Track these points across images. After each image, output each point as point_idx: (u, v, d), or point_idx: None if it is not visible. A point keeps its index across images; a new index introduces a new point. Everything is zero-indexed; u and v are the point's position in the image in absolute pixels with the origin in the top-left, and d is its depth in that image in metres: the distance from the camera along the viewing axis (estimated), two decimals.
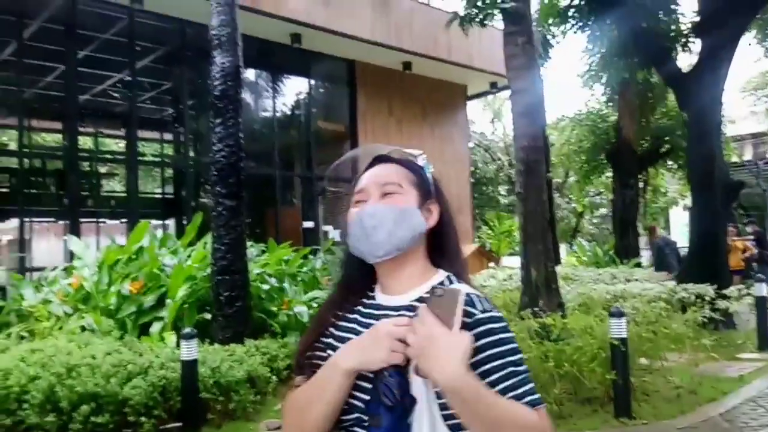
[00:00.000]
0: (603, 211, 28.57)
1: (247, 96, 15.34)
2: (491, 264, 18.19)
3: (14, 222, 11.81)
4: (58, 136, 17.71)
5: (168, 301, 7.29)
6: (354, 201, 1.28)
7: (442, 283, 1.23)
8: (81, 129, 16.54)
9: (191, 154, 14.81)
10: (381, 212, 1.22)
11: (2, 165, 15.09)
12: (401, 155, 1.33)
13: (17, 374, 5.11)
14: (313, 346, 1.28)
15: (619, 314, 5.14)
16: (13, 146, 12.34)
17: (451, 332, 1.05)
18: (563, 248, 26.25)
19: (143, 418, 4.86)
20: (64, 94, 13.13)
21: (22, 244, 11.08)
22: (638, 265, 14.04)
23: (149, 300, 7.47)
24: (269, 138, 14.65)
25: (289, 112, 16.21)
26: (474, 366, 1.08)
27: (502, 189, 30.56)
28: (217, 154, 6.59)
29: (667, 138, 16.10)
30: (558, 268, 12.56)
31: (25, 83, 12.74)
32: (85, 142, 22.66)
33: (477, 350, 1.10)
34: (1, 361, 5.49)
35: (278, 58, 14.49)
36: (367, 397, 1.14)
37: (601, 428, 4.88)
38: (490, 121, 33.08)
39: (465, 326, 1.08)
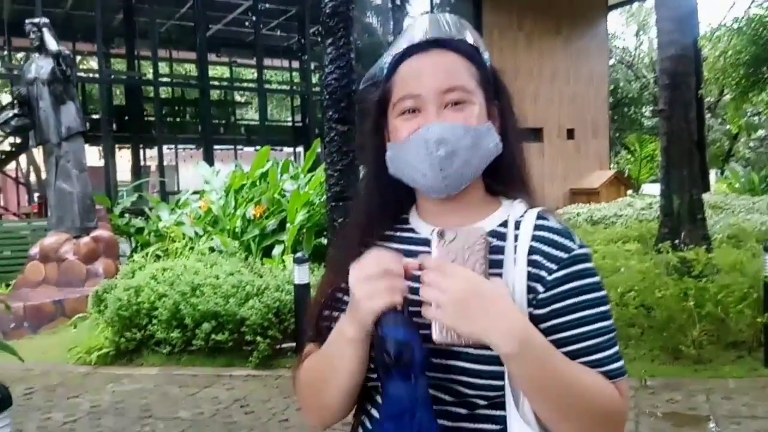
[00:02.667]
0: (762, 132, 25.48)
1: (367, 18, 14.98)
2: (629, 191, 16.98)
3: (157, 149, 12.56)
4: (195, 66, 18.43)
5: (288, 225, 7.43)
6: (401, 109, 0.93)
7: (506, 222, 0.93)
8: (213, 59, 17.21)
9: (313, 80, 14.86)
10: (455, 136, 0.89)
11: (146, 95, 16.05)
12: (458, 37, 0.95)
13: (148, 291, 5.42)
14: (333, 298, 0.98)
15: None
16: (152, 77, 12.97)
17: (488, 281, 0.80)
18: (713, 174, 23.93)
19: (259, 338, 4.98)
20: (194, 24, 13.53)
21: (162, 169, 11.82)
22: None
23: (271, 224, 7.67)
24: None
25: None
26: (561, 313, 0.86)
27: (646, 110, 28.11)
28: (329, 76, 6.36)
29: None
30: (706, 196, 11.39)
31: (161, 15, 13.26)
32: (222, 72, 23.64)
33: (568, 294, 0.87)
34: (135, 278, 5.87)
35: None
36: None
37: (748, 377, 4.30)
38: (634, 34, 30.21)
39: (557, 262, 0.87)
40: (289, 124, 20.65)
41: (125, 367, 5.23)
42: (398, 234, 1.00)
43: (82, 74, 13.41)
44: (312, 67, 15.03)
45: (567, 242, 0.89)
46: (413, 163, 0.91)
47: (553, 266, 0.87)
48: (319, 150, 8.91)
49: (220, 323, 5.12)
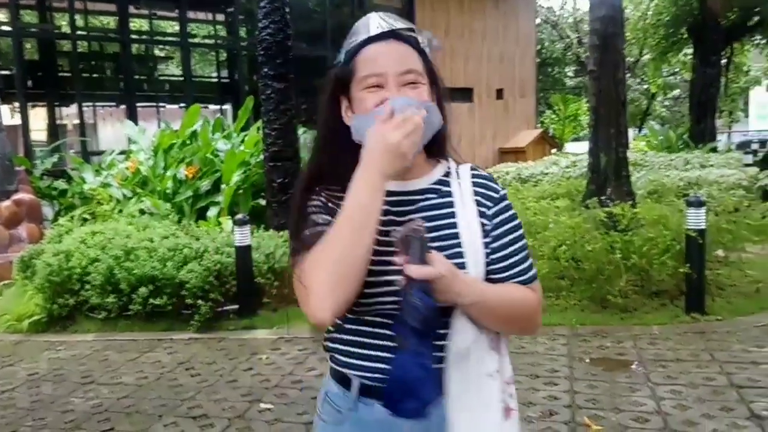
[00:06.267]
0: (676, 92, 26.76)
1: None
2: (554, 150, 17.53)
3: (76, 107, 11.89)
4: (114, 19, 17.43)
5: (223, 186, 7.27)
6: (366, 84, 1.10)
7: (447, 174, 1.20)
8: (132, 11, 16.27)
9: (242, 34, 14.38)
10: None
11: (62, 49, 15.04)
12: (410, 32, 1.16)
13: (78, 256, 5.22)
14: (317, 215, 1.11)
15: (699, 203, 4.70)
16: (68, 30, 12.15)
17: (443, 260, 1.04)
18: (631, 132, 24.99)
19: (200, 301, 4.92)
20: None
21: (82, 128, 11.20)
22: (714, 150, 13.19)
23: (204, 185, 7.48)
24: (321, 17, 13.98)
25: None
26: (500, 236, 1.16)
27: (569, 70, 28.87)
28: (263, 31, 6.20)
29: (757, 9, 14.54)
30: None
31: None
32: (142, 25, 22.37)
33: (502, 223, 1.17)
34: (64, 242, 5.62)
35: None
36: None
37: (671, 323, 4.62)
38: None
39: (492, 201, 1.17)
40: (215, 80, 19.94)
41: (59, 334, 5.05)
42: None
43: None
44: (240, 19, 14.50)
45: (495, 185, 1.20)
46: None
47: (490, 204, 1.17)
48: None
49: (157, 287, 5.00)
